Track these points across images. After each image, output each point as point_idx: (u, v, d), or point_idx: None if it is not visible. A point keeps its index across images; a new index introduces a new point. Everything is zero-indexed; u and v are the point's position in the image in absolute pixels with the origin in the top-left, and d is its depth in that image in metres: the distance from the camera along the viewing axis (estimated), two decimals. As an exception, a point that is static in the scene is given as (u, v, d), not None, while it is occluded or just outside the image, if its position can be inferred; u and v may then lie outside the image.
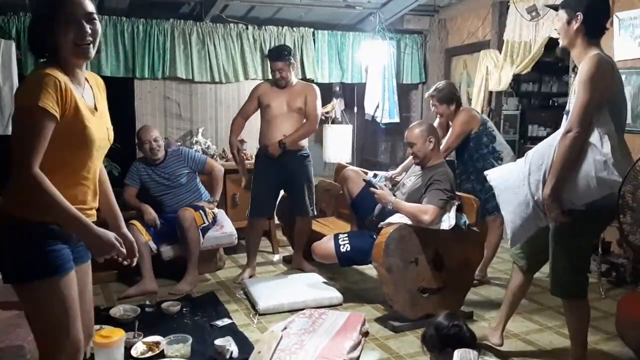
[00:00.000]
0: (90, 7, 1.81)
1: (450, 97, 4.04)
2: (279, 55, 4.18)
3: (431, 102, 4.11)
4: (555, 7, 2.61)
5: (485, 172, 2.93)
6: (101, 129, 1.91)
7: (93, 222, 1.90)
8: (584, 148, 2.40)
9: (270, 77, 4.82)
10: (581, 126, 2.37)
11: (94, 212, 1.98)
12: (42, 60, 1.87)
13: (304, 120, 4.26)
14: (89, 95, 1.92)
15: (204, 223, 4.22)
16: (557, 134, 2.52)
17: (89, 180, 1.92)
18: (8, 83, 4.67)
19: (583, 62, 2.43)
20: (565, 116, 2.58)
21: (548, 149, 2.51)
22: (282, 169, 4.27)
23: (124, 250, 1.87)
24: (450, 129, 4.04)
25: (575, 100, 2.41)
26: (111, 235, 1.84)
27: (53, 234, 1.83)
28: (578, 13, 2.45)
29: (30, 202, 1.75)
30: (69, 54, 1.80)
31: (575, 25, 2.46)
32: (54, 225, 1.81)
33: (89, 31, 1.79)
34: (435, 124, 4.06)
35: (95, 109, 1.91)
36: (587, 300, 2.70)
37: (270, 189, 4.40)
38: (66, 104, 1.75)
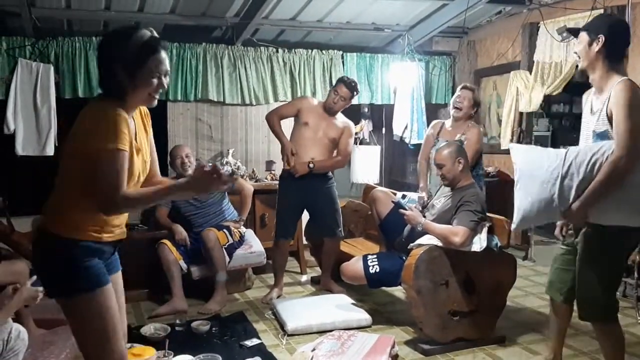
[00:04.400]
0: (168, 66, 1.95)
1: (479, 102, 4.17)
2: (352, 85, 4.25)
3: (463, 93, 4.07)
4: (576, 31, 2.62)
5: (511, 145, 2.84)
6: (140, 163, 1.98)
7: (122, 239, 2.03)
8: (629, 175, 2.36)
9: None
10: (631, 152, 2.33)
11: (124, 229, 2.08)
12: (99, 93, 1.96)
13: (334, 152, 4.33)
14: (133, 129, 1.97)
15: (229, 242, 4.24)
16: (603, 145, 2.43)
17: None
18: (46, 106, 4.83)
19: (617, 86, 2.41)
20: (592, 135, 2.52)
21: (591, 165, 2.41)
22: (306, 191, 4.29)
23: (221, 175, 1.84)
24: (466, 145, 3.84)
25: (617, 125, 2.37)
26: (196, 172, 1.87)
27: (91, 251, 1.92)
28: (600, 35, 2.46)
29: (82, 221, 1.89)
30: (141, 100, 1.94)
31: (596, 47, 2.47)
32: (92, 242, 1.92)
33: (165, 86, 1.95)
34: (439, 125, 4.17)
35: (135, 140, 1.96)
36: (619, 324, 2.62)
37: (294, 210, 4.42)
38: (130, 142, 1.87)
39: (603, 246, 2.48)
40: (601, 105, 2.48)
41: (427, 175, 4.26)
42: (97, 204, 1.83)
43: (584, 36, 2.52)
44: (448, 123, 4.19)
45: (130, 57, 1.86)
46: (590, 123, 2.56)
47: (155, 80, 1.90)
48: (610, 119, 2.42)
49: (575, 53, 2.61)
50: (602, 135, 2.48)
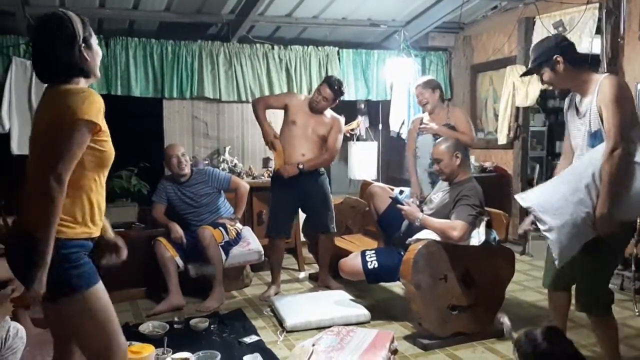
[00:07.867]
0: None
1: (436, 84, 4.41)
2: (335, 87, 4.20)
3: (417, 91, 4.36)
4: (531, 71, 2.72)
5: (519, 197, 2.72)
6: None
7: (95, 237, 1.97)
8: (630, 165, 2.43)
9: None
10: (624, 142, 2.41)
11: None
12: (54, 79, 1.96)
13: (323, 149, 4.30)
14: None
15: (224, 239, 4.22)
16: (595, 154, 2.48)
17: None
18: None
19: (603, 81, 2.48)
20: (587, 135, 2.54)
21: (591, 169, 2.48)
22: (299, 188, 4.27)
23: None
24: (460, 126, 4.26)
25: (607, 120, 2.44)
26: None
27: (85, 248, 1.89)
28: (555, 56, 2.55)
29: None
30: (95, 75, 2.00)
31: (560, 66, 2.56)
32: (85, 240, 1.88)
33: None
34: (419, 120, 4.39)
35: None
36: (613, 315, 2.69)
37: (288, 209, 4.40)
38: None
39: (607, 241, 2.50)
40: (589, 105, 2.53)
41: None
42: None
43: (544, 69, 2.60)
44: (426, 117, 4.41)
45: (78, 34, 1.99)
46: (580, 125, 2.60)
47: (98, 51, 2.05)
48: (601, 116, 2.48)
49: (545, 84, 2.71)
50: (595, 135, 2.52)
